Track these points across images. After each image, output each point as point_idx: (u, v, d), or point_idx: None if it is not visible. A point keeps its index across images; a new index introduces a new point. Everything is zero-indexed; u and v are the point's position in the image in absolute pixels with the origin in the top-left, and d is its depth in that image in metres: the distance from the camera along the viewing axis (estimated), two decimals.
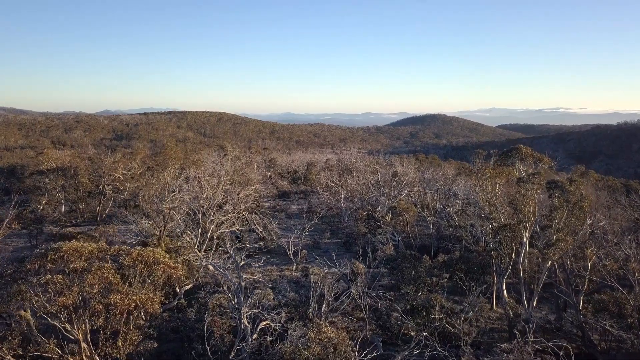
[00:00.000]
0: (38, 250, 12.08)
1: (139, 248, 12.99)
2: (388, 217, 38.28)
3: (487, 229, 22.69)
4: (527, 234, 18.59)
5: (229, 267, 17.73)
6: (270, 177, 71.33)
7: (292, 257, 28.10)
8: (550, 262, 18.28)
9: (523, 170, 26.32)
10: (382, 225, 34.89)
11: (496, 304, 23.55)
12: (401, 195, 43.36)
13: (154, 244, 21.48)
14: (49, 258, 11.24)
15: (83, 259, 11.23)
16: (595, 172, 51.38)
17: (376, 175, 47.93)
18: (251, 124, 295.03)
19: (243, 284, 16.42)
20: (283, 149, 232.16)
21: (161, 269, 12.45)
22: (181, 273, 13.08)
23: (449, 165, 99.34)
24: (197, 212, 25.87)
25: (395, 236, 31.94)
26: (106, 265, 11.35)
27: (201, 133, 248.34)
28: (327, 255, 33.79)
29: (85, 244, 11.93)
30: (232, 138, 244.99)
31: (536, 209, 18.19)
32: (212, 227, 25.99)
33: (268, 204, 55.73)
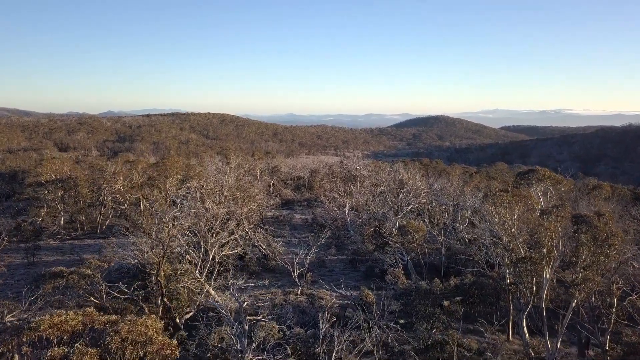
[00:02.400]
0: (16, 323, 10.94)
1: (129, 320, 11.85)
2: (395, 230, 37.21)
3: (504, 256, 21.56)
4: (550, 269, 17.44)
5: (230, 305, 16.67)
6: (273, 184, 70.32)
7: (296, 279, 26.98)
8: (575, 301, 17.12)
9: (540, 194, 25.16)
10: (390, 242, 33.78)
11: (512, 334, 22.41)
12: (408, 207, 42.24)
13: (154, 273, 20.43)
14: (24, 339, 10.11)
15: (64, 338, 10.08)
16: (608, 184, 50.05)
17: (382, 187, 46.79)
18: (254, 125, 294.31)
19: (246, 327, 15.38)
20: (286, 150, 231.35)
21: (154, 350, 11.28)
22: (177, 352, 11.91)
23: (455, 172, 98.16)
24: (199, 233, 24.80)
25: (404, 256, 30.81)
26: (90, 351, 10.16)
27: (204, 135, 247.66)
28: (334, 274, 32.73)
29: (68, 317, 10.73)
30: (234, 140, 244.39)
31: (560, 243, 17.07)
32: (214, 249, 24.90)
33: (271, 214, 54.66)
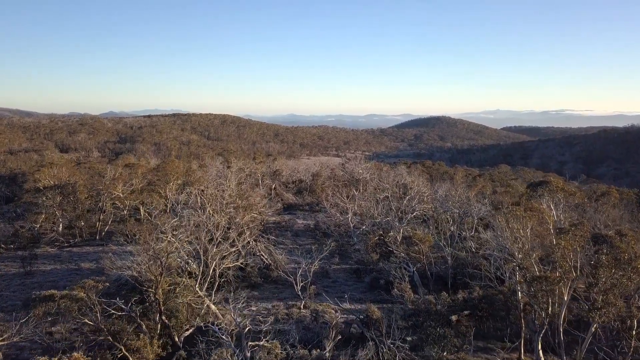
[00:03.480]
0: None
1: None
2: (399, 238, 36.50)
3: (514, 270, 20.75)
4: (568, 292, 16.60)
5: (231, 329, 15.89)
6: (274, 188, 69.61)
7: (299, 293, 26.18)
8: (595, 325, 16.32)
9: (553, 206, 24.39)
10: (395, 251, 33.03)
11: (524, 352, 21.59)
12: (412, 214, 41.46)
13: (151, 291, 19.64)
14: None
15: None
16: (614, 188, 49.25)
17: (386, 193, 45.97)
18: (255, 126, 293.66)
19: (248, 354, 14.62)
20: (287, 151, 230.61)
21: None
22: None
23: (458, 174, 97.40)
24: (199, 245, 24.03)
25: (409, 266, 29.99)
26: None
27: (205, 136, 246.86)
28: (337, 285, 31.93)
29: None
30: (236, 141, 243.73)
31: (579, 264, 16.25)
32: (214, 262, 24.12)
33: (273, 219, 53.93)
